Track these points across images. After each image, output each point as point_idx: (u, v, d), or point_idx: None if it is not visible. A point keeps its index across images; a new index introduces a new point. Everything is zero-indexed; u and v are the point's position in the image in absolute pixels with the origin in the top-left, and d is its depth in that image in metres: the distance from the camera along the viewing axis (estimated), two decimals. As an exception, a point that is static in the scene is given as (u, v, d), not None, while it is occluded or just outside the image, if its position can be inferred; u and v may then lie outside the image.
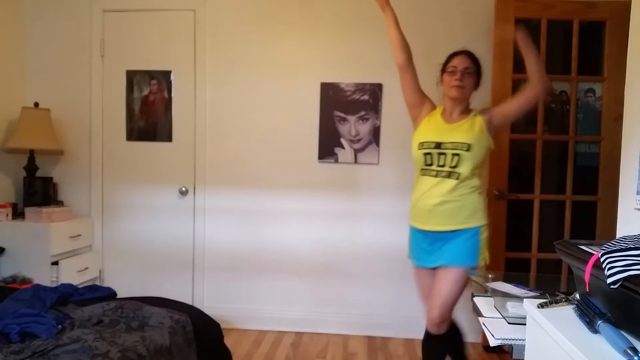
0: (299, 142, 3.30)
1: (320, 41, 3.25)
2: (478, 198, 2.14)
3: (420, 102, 2.28)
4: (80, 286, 2.47)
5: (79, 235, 3.23)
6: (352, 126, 3.25)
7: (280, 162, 3.31)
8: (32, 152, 3.21)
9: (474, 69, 2.18)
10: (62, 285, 2.38)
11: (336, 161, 3.28)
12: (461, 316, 3.16)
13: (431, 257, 2.18)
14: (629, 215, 1.63)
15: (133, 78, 3.38)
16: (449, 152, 2.09)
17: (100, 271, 3.44)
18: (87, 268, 3.26)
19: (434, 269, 2.19)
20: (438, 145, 2.12)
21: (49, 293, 2.20)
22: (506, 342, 1.49)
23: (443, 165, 2.11)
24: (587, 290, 1.10)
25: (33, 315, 1.90)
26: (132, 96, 3.39)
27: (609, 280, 0.93)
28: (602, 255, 1.00)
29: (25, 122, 3.13)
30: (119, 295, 2.46)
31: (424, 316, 2.27)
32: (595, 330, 0.97)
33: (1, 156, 3.24)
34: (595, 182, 2.96)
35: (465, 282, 2.14)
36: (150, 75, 3.37)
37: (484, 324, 1.60)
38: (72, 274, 3.08)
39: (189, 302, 3.03)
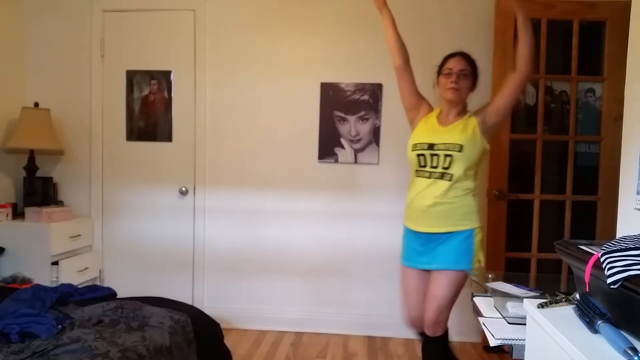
0: (299, 142, 3.30)
1: (320, 41, 3.25)
2: (472, 200, 2.13)
3: (417, 104, 2.28)
4: (80, 286, 2.47)
5: (79, 235, 3.23)
6: (352, 126, 3.25)
7: (280, 162, 3.31)
8: (32, 152, 3.21)
9: (470, 71, 2.17)
10: (62, 285, 2.38)
11: (336, 161, 3.28)
12: (461, 316, 3.17)
13: (423, 258, 2.17)
14: (629, 215, 1.63)
15: (133, 78, 3.38)
16: (441, 153, 2.09)
17: (100, 271, 3.44)
18: (87, 268, 3.26)
19: (425, 271, 2.19)
20: (431, 146, 2.11)
21: (49, 293, 2.20)
22: (506, 342, 1.49)
23: (436, 167, 2.11)
24: (587, 290, 1.10)
25: (33, 315, 1.90)
26: (132, 96, 3.39)
27: (609, 280, 0.93)
28: (602, 255, 1.00)
29: (25, 122, 3.13)
30: (119, 295, 2.46)
31: (403, 316, 2.29)
32: (595, 330, 0.97)
33: (1, 156, 3.24)
34: (595, 182, 2.96)
35: (461, 285, 2.14)
36: (150, 75, 3.37)
37: (484, 324, 1.60)
38: (72, 274, 3.08)
39: (189, 302, 3.03)
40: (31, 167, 3.22)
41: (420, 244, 2.18)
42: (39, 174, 3.28)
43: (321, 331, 3.31)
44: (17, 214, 3.19)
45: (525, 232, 3.02)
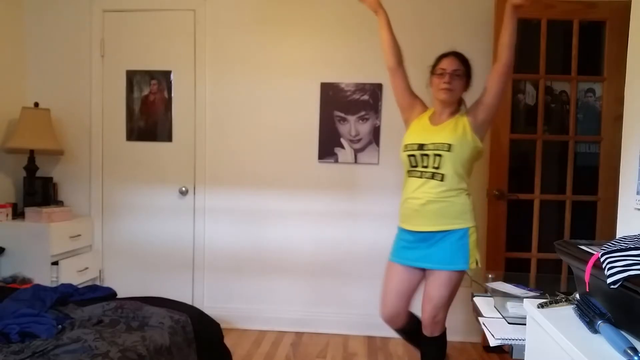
0: (299, 142, 3.30)
1: (320, 41, 3.25)
2: (466, 199, 2.12)
3: (411, 104, 2.29)
4: (80, 286, 2.47)
5: (79, 235, 3.23)
6: (352, 126, 3.25)
7: (280, 162, 3.31)
8: (32, 152, 3.21)
9: (464, 71, 2.16)
10: (62, 285, 2.38)
11: (336, 161, 3.28)
12: (461, 316, 3.17)
13: (413, 254, 2.16)
14: (629, 215, 1.63)
15: (133, 78, 3.38)
16: (431, 153, 2.09)
17: (100, 271, 3.44)
18: (87, 268, 3.26)
19: (413, 268, 2.18)
20: (421, 146, 2.11)
21: (49, 293, 2.20)
22: (506, 342, 1.49)
23: (426, 166, 2.10)
24: (587, 290, 1.10)
25: (33, 315, 1.90)
26: (132, 96, 3.39)
27: (609, 280, 0.93)
28: (602, 255, 1.00)
29: (25, 122, 3.13)
30: (119, 295, 2.46)
31: (380, 312, 2.27)
32: (595, 330, 0.97)
33: (1, 156, 3.24)
34: (595, 182, 2.96)
35: (458, 284, 2.14)
36: (150, 75, 3.37)
37: (484, 324, 1.60)
38: (72, 274, 3.08)
39: (189, 302, 3.03)
40: (31, 167, 3.22)
41: (412, 242, 2.17)
42: (39, 174, 3.28)
43: (321, 331, 3.31)
44: (17, 214, 3.19)
45: (525, 232, 3.02)
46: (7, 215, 3.07)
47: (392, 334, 3.21)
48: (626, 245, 1.02)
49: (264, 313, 3.35)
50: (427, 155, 2.10)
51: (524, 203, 3.00)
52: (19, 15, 3.38)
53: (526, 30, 3.04)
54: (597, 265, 1.01)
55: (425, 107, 2.28)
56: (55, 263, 2.99)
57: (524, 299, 1.29)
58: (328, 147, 3.27)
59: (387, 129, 3.22)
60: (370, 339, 3.22)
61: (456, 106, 2.20)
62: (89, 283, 3.14)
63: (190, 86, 3.34)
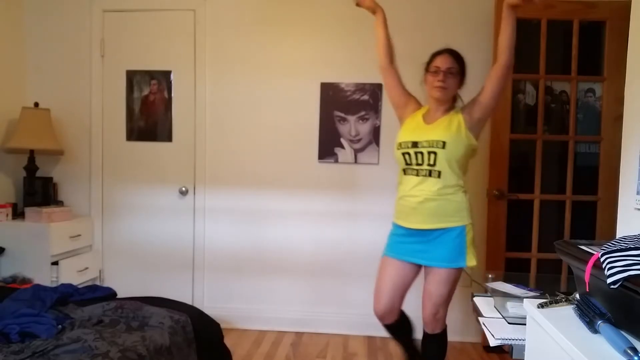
0: (299, 142, 3.30)
1: (320, 41, 3.25)
2: (463, 197, 2.12)
3: (405, 102, 2.29)
4: (80, 286, 2.47)
5: (79, 235, 3.23)
6: (352, 126, 3.25)
7: (280, 162, 3.31)
8: (32, 152, 3.21)
9: (458, 69, 2.16)
10: (62, 285, 2.38)
11: (336, 161, 3.28)
12: (461, 316, 3.17)
13: (408, 249, 2.16)
14: (629, 215, 1.63)
15: (133, 78, 3.38)
16: (425, 150, 2.09)
17: (100, 271, 3.44)
18: (87, 268, 3.26)
19: (408, 263, 2.19)
20: (415, 144, 2.12)
21: (49, 293, 2.20)
22: (506, 342, 1.49)
23: (421, 164, 2.11)
24: (587, 290, 1.10)
25: (33, 315, 1.90)
26: (132, 96, 3.39)
27: (609, 280, 0.93)
28: (602, 255, 1.00)
29: (25, 122, 3.13)
30: (119, 295, 2.46)
31: (373, 308, 2.27)
32: (595, 330, 0.97)
33: (1, 156, 3.24)
34: (595, 182, 2.96)
35: (456, 282, 2.15)
36: (150, 75, 3.37)
37: (484, 324, 1.60)
38: (72, 274, 3.08)
39: (189, 302, 3.04)
40: (31, 167, 3.22)
41: (408, 237, 2.17)
42: (39, 174, 3.28)
43: (321, 331, 3.31)
44: (17, 214, 3.19)
45: (525, 232, 3.02)
46: (7, 215, 3.07)
47: (392, 334, 3.22)
48: (626, 245, 1.02)
49: (264, 313, 3.36)
50: (421, 152, 2.10)
51: (524, 203, 3.00)
52: (19, 15, 3.38)
53: (526, 30, 3.04)
54: (597, 265, 1.01)
55: (419, 105, 2.29)
56: (55, 263, 2.99)
57: (524, 299, 1.29)
58: (328, 147, 3.27)
59: (387, 129, 3.22)
60: (370, 339, 3.22)
61: (451, 103, 2.20)
62: (89, 283, 3.13)
63: (190, 86, 3.34)
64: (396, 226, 2.24)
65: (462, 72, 2.18)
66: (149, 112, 3.39)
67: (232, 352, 2.38)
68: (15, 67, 3.35)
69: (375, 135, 3.24)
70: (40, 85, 3.42)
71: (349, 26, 3.22)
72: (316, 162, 3.29)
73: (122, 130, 3.40)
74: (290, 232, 3.33)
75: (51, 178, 3.38)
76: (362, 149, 3.25)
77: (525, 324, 1.31)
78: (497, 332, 1.52)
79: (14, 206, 3.18)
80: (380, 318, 2.28)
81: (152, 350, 1.78)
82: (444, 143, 2.06)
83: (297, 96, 3.28)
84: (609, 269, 0.95)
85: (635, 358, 0.82)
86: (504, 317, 1.58)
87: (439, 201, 2.09)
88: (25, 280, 2.83)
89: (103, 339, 1.77)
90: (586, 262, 1.07)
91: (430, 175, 2.09)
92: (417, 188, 2.11)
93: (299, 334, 3.28)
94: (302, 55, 3.27)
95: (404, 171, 2.18)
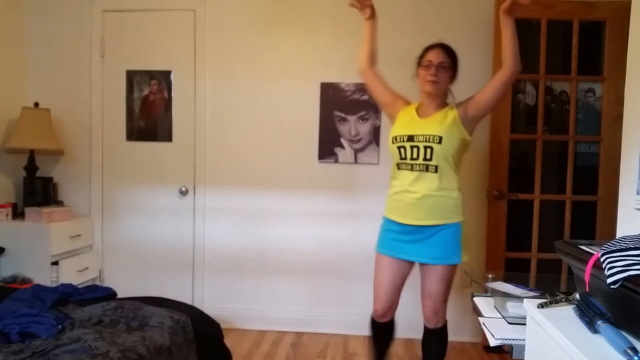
0: (299, 142, 3.30)
1: (320, 41, 3.25)
2: (458, 194, 2.14)
3: (394, 99, 2.31)
4: (80, 286, 2.47)
5: (79, 235, 3.23)
6: (352, 126, 3.25)
7: (280, 162, 3.31)
8: (32, 152, 3.21)
9: (450, 63, 2.16)
10: (62, 285, 2.38)
11: (336, 161, 3.28)
12: (461, 316, 3.17)
13: (405, 248, 2.17)
14: (629, 215, 1.63)
15: (133, 78, 3.38)
16: (421, 144, 2.09)
17: (100, 271, 3.44)
18: (87, 268, 3.26)
19: (404, 261, 2.20)
20: (410, 138, 2.12)
21: (49, 293, 2.20)
22: (506, 342, 1.49)
23: (416, 158, 2.11)
24: (587, 290, 1.10)
25: (33, 315, 1.90)
26: (132, 96, 3.39)
27: (609, 280, 0.93)
28: (602, 255, 1.00)
29: (25, 122, 3.13)
30: (119, 295, 2.46)
31: (374, 307, 2.30)
32: (595, 330, 0.97)
33: (1, 156, 3.24)
34: (595, 182, 2.96)
35: (453, 277, 2.18)
36: (150, 75, 3.37)
37: (484, 324, 1.60)
38: (72, 274, 3.08)
39: (189, 302, 3.04)
40: (31, 167, 3.22)
41: (404, 235, 2.17)
42: (39, 174, 3.28)
43: (321, 331, 3.31)
44: (17, 214, 3.19)
45: (525, 232, 3.02)
46: (7, 215, 3.07)
47: (392, 334, 3.22)
48: (626, 245, 1.02)
49: (264, 313, 3.36)
50: (417, 147, 2.11)
51: (524, 203, 3.00)
52: (19, 15, 3.38)
53: (526, 30, 3.04)
54: (597, 265, 1.01)
55: (407, 102, 2.30)
56: (55, 263, 2.99)
57: (524, 299, 1.29)
58: (328, 147, 3.27)
59: (387, 129, 3.19)
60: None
61: (443, 98, 2.21)
62: (89, 283, 3.14)
63: (190, 86, 3.34)
64: (390, 222, 2.23)
65: (454, 66, 2.19)
66: (149, 112, 3.39)
67: (232, 352, 2.38)
68: (15, 67, 3.35)
69: (375, 135, 3.24)
70: (40, 85, 3.42)
71: (349, 26, 3.22)
72: (316, 162, 3.29)
73: (122, 130, 3.40)
74: (290, 232, 3.33)
75: (51, 178, 3.38)
76: (362, 149, 3.25)
77: (525, 324, 1.31)
78: (497, 332, 1.52)
79: (14, 206, 3.18)
80: (381, 316, 2.30)
81: (152, 350, 1.78)
82: (441, 138, 2.07)
83: (297, 96, 3.28)
84: (609, 269, 0.95)
85: (635, 358, 0.82)
86: (504, 317, 1.58)
87: (438, 198, 2.10)
88: (25, 280, 2.83)
89: (103, 339, 1.77)
90: (586, 262, 1.07)
91: (427, 170, 2.10)
92: (416, 184, 2.12)
93: (299, 334, 3.28)
94: (302, 55, 3.27)
95: (398, 166, 2.19)
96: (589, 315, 1.01)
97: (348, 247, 3.28)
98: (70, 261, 3.10)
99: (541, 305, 1.19)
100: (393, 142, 2.18)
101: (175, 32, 3.34)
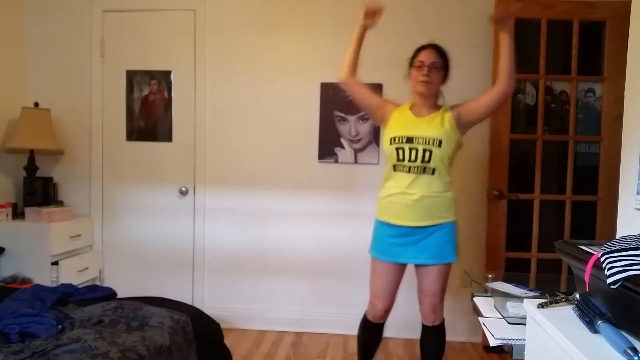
0: (299, 142, 3.30)
1: (320, 41, 3.25)
2: (452, 194, 2.18)
3: (382, 101, 2.32)
4: (80, 286, 2.47)
5: (79, 235, 3.23)
6: (352, 126, 3.25)
7: (280, 162, 3.31)
8: (32, 152, 3.21)
9: (442, 63, 2.18)
10: (62, 285, 2.38)
11: (336, 161, 3.28)
12: (461, 316, 3.17)
13: (404, 251, 2.18)
14: (629, 215, 1.63)
15: (133, 78, 3.38)
16: (420, 147, 2.10)
17: (100, 271, 3.44)
18: (87, 268, 3.26)
19: (403, 264, 2.22)
20: (410, 139, 2.12)
21: (49, 293, 2.20)
22: (506, 342, 1.49)
23: (414, 160, 2.12)
24: (587, 290, 1.10)
25: (33, 315, 1.90)
26: (132, 96, 3.39)
27: (609, 280, 0.93)
28: (602, 255, 1.00)
29: (25, 122, 3.13)
30: (119, 295, 2.46)
31: (372, 309, 2.31)
32: (595, 330, 0.97)
33: (1, 156, 3.24)
34: (595, 182, 2.96)
35: (449, 273, 2.22)
36: (150, 75, 3.37)
37: (484, 324, 1.60)
38: (72, 274, 3.08)
39: (189, 302, 3.04)
40: (31, 167, 3.22)
41: (400, 238, 2.18)
42: (39, 174, 3.28)
43: (321, 331, 3.31)
44: (17, 214, 3.19)
45: (525, 232, 3.02)
46: (7, 215, 3.07)
47: (392, 333, 3.22)
48: (626, 245, 1.02)
49: (264, 313, 3.35)
50: (415, 149, 2.11)
51: (524, 203, 3.00)
52: (19, 15, 3.38)
53: (526, 30, 3.04)
54: (597, 265, 1.01)
55: (397, 103, 2.30)
56: (55, 263, 2.99)
57: (524, 299, 1.29)
58: (328, 147, 3.27)
59: (387, 129, 3.22)
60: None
61: (435, 99, 2.23)
62: (89, 283, 3.14)
63: (190, 86, 3.34)
64: (384, 224, 2.23)
65: (446, 67, 2.21)
66: (149, 112, 3.39)
67: (232, 352, 2.38)
68: (15, 67, 3.35)
69: (375, 135, 3.24)
70: (40, 85, 3.42)
71: (349, 26, 3.19)
72: (316, 162, 3.29)
73: (122, 130, 3.40)
74: (290, 232, 3.33)
75: (51, 178, 3.38)
76: (362, 149, 3.25)
77: (525, 324, 1.31)
78: (497, 332, 1.52)
79: (14, 206, 3.18)
80: (379, 318, 2.32)
81: (152, 350, 1.78)
82: (441, 142, 2.09)
83: (297, 96, 3.28)
84: (609, 269, 0.95)
85: (635, 358, 0.82)
86: (504, 317, 1.58)
87: (434, 198, 2.12)
88: (25, 280, 2.83)
89: (103, 339, 1.77)
90: (586, 262, 1.07)
91: (424, 172, 2.11)
92: (413, 186, 2.13)
93: (299, 334, 3.28)
94: (302, 55, 3.27)
95: (394, 167, 2.18)
96: (589, 315, 1.01)
97: (348, 247, 3.28)
98: (70, 261, 3.10)
99: (541, 305, 1.19)
100: (391, 143, 2.17)
101: (175, 32, 3.34)
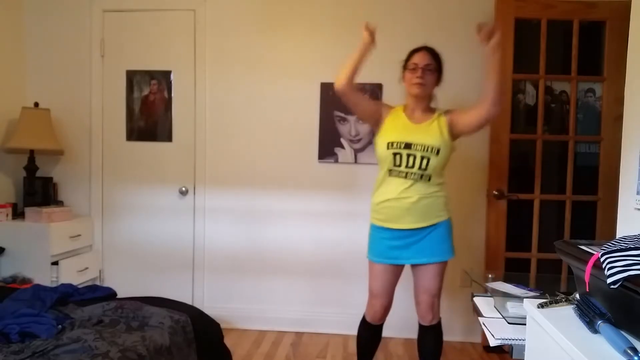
0: (299, 142, 3.30)
1: (320, 41, 3.25)
2: (446, 192, 2.21)
3: (377, 106, 2.33)
4: (80, 286, 2.47)
5: (79, 235, 3.23)
6: (352, 126, 3.25)
7: (280, 162, 3.31)
8: (32, 152, 3.21)
9: (435, 66, 2.18)
10: (62, 285, 2.38)
11: (336, 161, 3.28)
12: (461, 316, 3.17)
13: (403, 254, 2.19)
14: (629, 215, 1.63)
15: (133, 78, 3.38)
16: (419, 154, 2.11)
17: (100, 271, 3.44)
18: (87, 268, 3.26)
19: (400, 265, 2.24)
20: (408, 145, 2.12)
21: (49, 293, 2.20)
22: (506, 342, 1.49)
23: (412, 167, 2.12)
24: (587, 290, 1.10)
25: (33, 315, 1.90)
26: (132, 96, 3.39)
27: (609, 280, 0.93)
28: (602, 255, 1.00)
29: (25, 122, 3.13)
30: (119, 295, 2.46)
31: (372, 310, 2.32)
32: (595, 330, 0.97)
33: (1, 156, 3.24)
34: (595, 182, 2.96)
35: (445, 271, 2.24)
36: (150, 75, 3.37)
37: (484, 324, 1.60)
38: (72, 274, 3.08)
39: (189, 302, 3.04)
40: (31, 167, 3.22)
41: (398, 240, 2.19)
42: (39, 174, 3.28)
43: (321, 331, 3.31)
44: (17, 214, 3.19)
45: (525, 232, 3.02)
46: (7, 215, 3.07)
47: (392, 333, 3.22)
48: (626, 245, 1.02)
49: (264, 313, 3.35)
50: (413, 155, 2.12)
51: (524, 203, 3.00)
52: (19, 15, 3.38)
53: (526, 30, 3.04)
54: (597, 265, 1.01)
55: (389, 105, 2.31)
56: (55, 263, 2.99)
57: (524, 299, 1.29)
58: (328, 147, 3.27)
59: (387, 129, 3.22)
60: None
61: (429, 101, 2.23)
62: (89, 283, 3.14)
63: (190, 86, 3.34)
64: (380, 229, 2.24)
65: (440, 69, 2.21)
66: (149, 112, 3.39)
67: (232, 352, 2.38)
68: (15, 67, 3.35)
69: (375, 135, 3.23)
70: (40, 85, 3.42)
71: (348, 26, 3.22)
72: (316, 162, 3.29)
73: (122, 130, 3.40)
74: (290, 232, 3.33)
75: (51, 178, 3.38)
76: (362, 149, 3.25)
77: (525, 324, 1.31)
78: (497, 332, 1.52)
79: (14, 206, 3.18)
80: (378, 319, 2.33)
81: (152, 350, 1.78)
82: (439, 150, 2.11)
83: (297, 96, 3.28)
84: (609, 269, 0.95)
85: (635, 358, 0.82)
86: (504, 317, 1.58)
87: (431, 199, 2.15)
88: (25, 280, 2.83)
89: (103, 339, 1.77)
90: (586, 262, 1.07)
91: (421, 178, 2.13)
92: (409, 190, 2.13)
93: (299, 334, 3.28)
94: (302, 55, 3.27)
95: (389, 172, 2.18)
96: (589, 315, 1.01)
97: (348, 247, 3.28)
98: (70, 261, 3.10)
99: (541, 305, 1.19)
100: (388, 148, 2.16)
101: (175, 32, 3.34)
